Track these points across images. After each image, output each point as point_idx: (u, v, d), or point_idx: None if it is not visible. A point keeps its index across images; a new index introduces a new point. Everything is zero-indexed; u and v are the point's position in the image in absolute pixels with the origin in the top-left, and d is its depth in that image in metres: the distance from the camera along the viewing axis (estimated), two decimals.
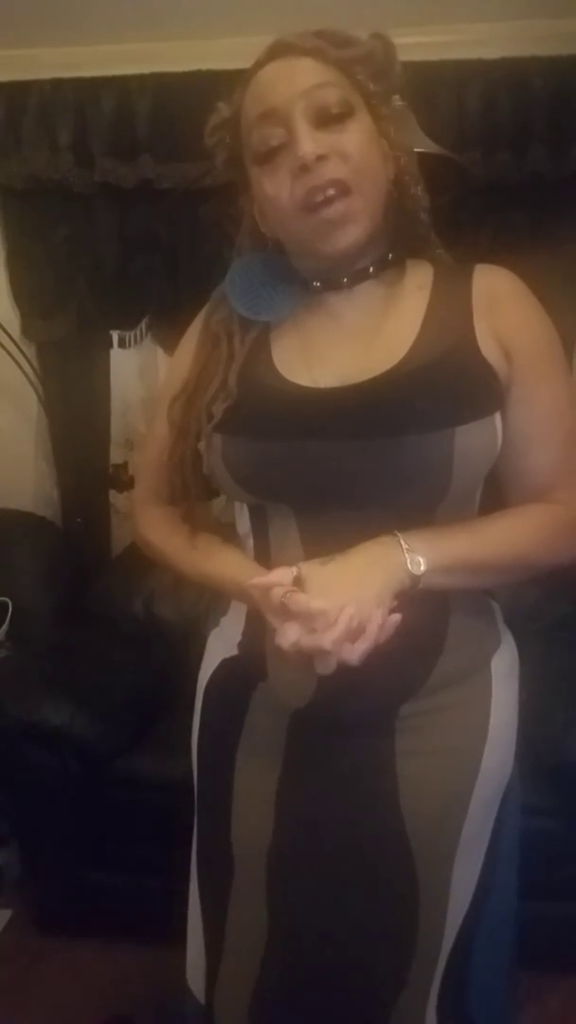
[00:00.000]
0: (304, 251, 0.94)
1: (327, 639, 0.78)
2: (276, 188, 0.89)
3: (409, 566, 0.85)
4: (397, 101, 0.95)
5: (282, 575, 0.84)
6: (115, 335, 2.24)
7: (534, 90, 1.86)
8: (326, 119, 0.87)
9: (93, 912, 1.83)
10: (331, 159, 0.86)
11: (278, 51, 0.91)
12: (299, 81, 0.88)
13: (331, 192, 0.86)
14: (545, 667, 1.75)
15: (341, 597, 0.80)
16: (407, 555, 0.86)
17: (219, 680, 1.07)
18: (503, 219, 1.98)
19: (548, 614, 1.95)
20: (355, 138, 0.88)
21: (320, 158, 0.86)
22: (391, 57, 0.92)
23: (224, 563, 0.99)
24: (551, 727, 1.63)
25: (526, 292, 0.96)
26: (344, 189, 0.87)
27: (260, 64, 0.92)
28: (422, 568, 0.86)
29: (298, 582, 0.85)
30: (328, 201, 0.87)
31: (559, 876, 1.62)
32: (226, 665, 1.05)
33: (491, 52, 1.87)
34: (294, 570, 0.85)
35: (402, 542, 0.86)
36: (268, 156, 0.89)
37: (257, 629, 0.99)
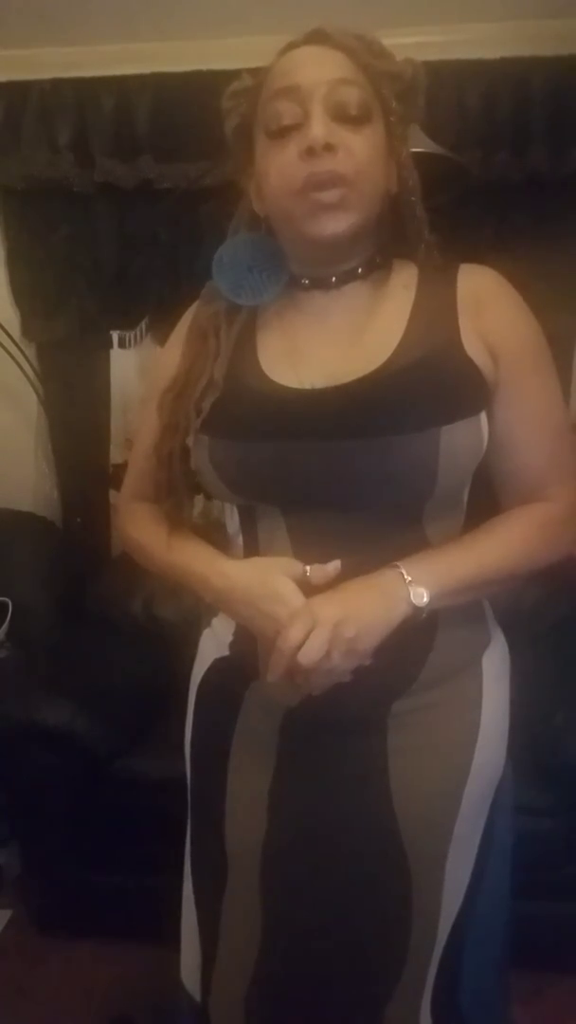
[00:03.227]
0: (292, 233, 0.94)
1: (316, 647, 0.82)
2: (279, 164, 0.89)
3: (412, 599, 0.86)
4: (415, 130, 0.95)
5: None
6: (115, 335, 2.24)
7: (534, 90, 1.87)
8: (343, 116, 0.88)
9: (93, 912, 1.83)
10: (339, 152, 0.86)
11: (315, 38, 0.91)
12: (328, 70, 0.88)
13: (329, 183, 0.87)
14: (545, 667, 1.76)
15: (344, 608, 0.83)
16: (410, 588, 0.86)
17: (211, 680, 1.07)
18: (503, 219, 1.98)
19: (548, 614, 1.95)
20: (366, 143, 0.89)
21: (328, 146, 0.86)
22: (419, 85, 0.93)
23: (196, 552, 0.98)
24: (550, 727, 1.63)
25: (511, 291, 0.96)
26: (343, 182, 0.87)
27: (294, 45, 0.92)
28: (425, 600, 0.87)
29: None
30: (324, 187, 0.87)
31: (559, 876, 1.62)
32: (218, 665, 1.05)
33: (491, 52, 1.87)
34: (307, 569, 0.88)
35: (404, 574, 0.87)
36: (280, 132, 0.89)
37: (248, 629, 0.99)
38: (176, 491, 1.00)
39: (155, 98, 1.97)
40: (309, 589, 0.87)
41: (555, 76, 1.86)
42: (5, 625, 2.05)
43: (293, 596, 0.86)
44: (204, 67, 1.93)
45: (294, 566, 0.89)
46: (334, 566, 0.87)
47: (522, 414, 0.93)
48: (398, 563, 0.88)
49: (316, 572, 0.88)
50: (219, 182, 1.96)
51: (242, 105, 0.95)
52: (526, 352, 0.94)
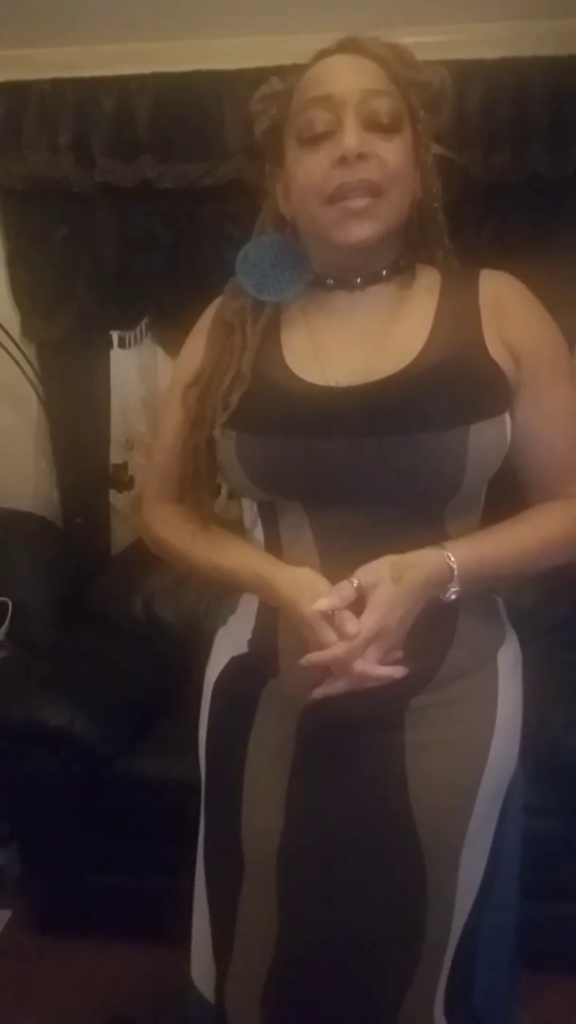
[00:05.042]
0: (319, 238, 0.95)
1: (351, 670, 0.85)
2: (310, 171, 0.90)
3: (443, 595, 0.90)
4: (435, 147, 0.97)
5: (345, 591, 0.86)
6: (115, 335, 2.24)
7: (534, 90, 1.86)
8: (375, 125, 0.89)
9: (93, 912, 1.83)
10: (371, 160, 0.88)
11: (347, 46, 0.92)
12: (361, 79, 0.90)
13: (360, 191, 0.88)
14: (545, 667, 1.75)
15: (392, 629, 0.86)
16: (450, 585, 0.89)
17: (228, 678, 1.07)
18: (503, 219, 1.98)
19: (548, 614, 1.95)
20: (396, 152, 0.90)
21: (361, 156, 0.87)
22: (446, 95, 0.95)
23: (240, 555, 0.98)
24: (551, 727, 1.63)
25: (530, 296, 0.98)
26: (374, 191, 0.88)
27: (326, 53, 0.94)
28: (454, 598, 0.90)
29: (360, 590, 0.87)
30: (355, 193, 0.88)
31: (559, 876, 1.62)
32: (235, 663, 1.06)
33: (491, 52, 1.86)
34: (355, 582, 0.87)
35: (454, 568, 0.88)
36: (312, 140, 0.90)
37: (268, 627, 1.00)
38: (201, 486, 1.00)
39: (155, 98, 1.97)
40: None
41: (555, 76, 1.85)
42: (5, 625, 2.05)
43: (325, 633, 0.86)
44: (204, 67, 1.93)
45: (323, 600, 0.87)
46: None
47: (544, 413, 0.95)
48: (452, 557, 0.89)
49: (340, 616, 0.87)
50: (219, 182, 1.97)
51: (272, 108, 0.97)
52: (547, 354, 0.96)
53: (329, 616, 0.86)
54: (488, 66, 1.86)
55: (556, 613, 1.96)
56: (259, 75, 1.96)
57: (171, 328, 2.13)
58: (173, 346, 2.17)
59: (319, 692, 0.88)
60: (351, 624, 0.85)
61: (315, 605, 0.85)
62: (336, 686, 0.87)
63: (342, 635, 0.85)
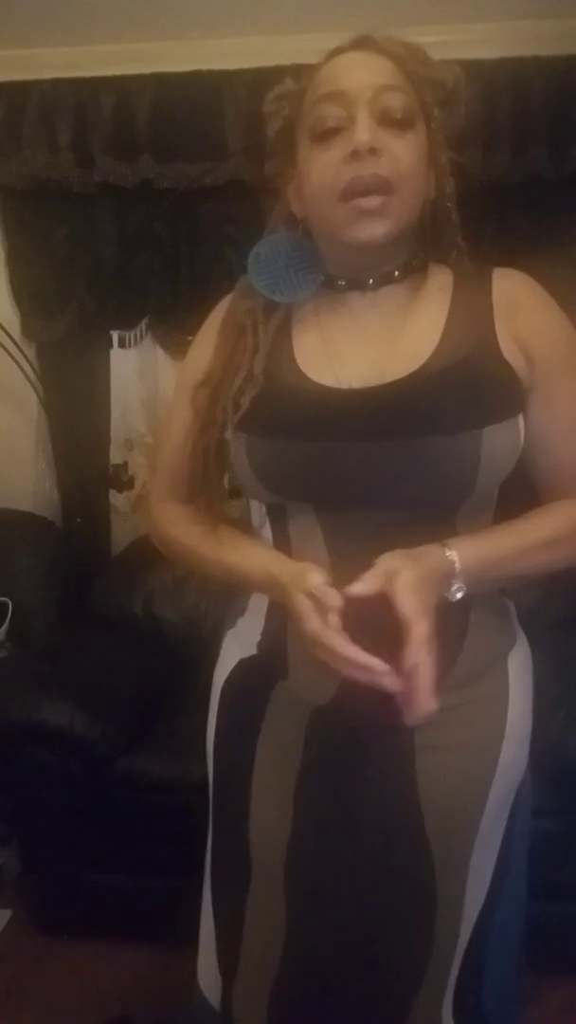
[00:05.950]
0: (331, 237, 0.94)
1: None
2: (322, 167, 0.89)
3: (448, 593, 0.88)
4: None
5: (373, 576, 0.83)
6: (115, 335, 2.24)
7: (534, 90, 1.87)
8: (388, 121, 0.88)
9: (93, 912, 1.83)
10: (383, 156, 0.87)
11: (361, 43, 0.92)
12: (374, 76, 0.89)
13: (372, 187, 0.87)
14: (546, 667, 1.75)
15: (423, 610, 0.81)
16: (454, 582, 0.87)
17: (237, 680, 1.06)
18: (503, 219, 1.98)
19: (549, 614, 1.95)
20: (409, 148, 0.89)
21: (373, 151, 0.86)
22: (460, 94, 0.94)
23: (253, 555, 0.97)
24: (552, 727, 1.63)
25: (543, 295, 0.97)
26: (386, 188, 0.87)
27: (340, 50, 0.93)
28: (459, 596, 0.88)
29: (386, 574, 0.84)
30: (367, 192, 0.87)
31: (559, 877, 1.62)
32: (244, 665, 1.05)
33: (491, 52, 1.87)
34: (380, 569, 0.84)
35: (456, 564, 0.87)
36: (324, 136, 0.89)
37: (278, 629, 0.99)
38: (210, 486, 0.99)
39: (155, 98, 1.97)
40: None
41: (555, 76, 1.86)
42: (5, 625, 2.05)
43: (311, 618, 0.84)
44: (204, 67, 1.93)
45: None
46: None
47: (557, 414, 0.94)
48: (455, 554, 0.87)
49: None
50: (219, 182, 1.97)
51: (285, 108, 0.96)
52: (560, 354, 0.95)
53: (321, 608, 0.82)
54: (488, 66, 1.86)
55: (557, 613, 1.96)
56: (259, 75, 1.97)
57: (171, 328, 2.13)
58: (173, 346, 2.17)
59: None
60: (408, 607, 0.80)
61: (347, 589, 0.82)
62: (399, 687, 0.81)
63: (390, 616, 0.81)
